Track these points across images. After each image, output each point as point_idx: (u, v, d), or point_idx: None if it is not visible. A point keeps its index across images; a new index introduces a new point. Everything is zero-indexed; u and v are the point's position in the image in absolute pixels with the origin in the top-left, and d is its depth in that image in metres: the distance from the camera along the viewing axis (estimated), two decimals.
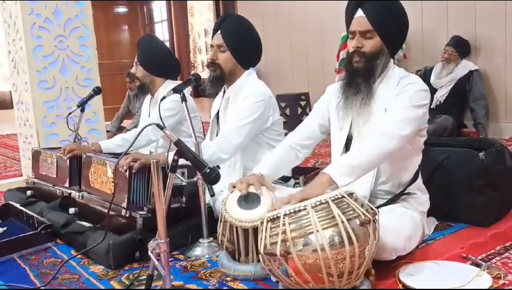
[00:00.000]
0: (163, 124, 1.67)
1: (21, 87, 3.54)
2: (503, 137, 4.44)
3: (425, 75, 4.59)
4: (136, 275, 1.84)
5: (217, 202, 2.18)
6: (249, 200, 1.78)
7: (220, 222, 1.80)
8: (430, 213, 2.06)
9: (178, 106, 2.57)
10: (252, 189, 1.80)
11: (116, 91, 8.02)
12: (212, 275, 1.82)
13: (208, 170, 1.57)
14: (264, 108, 2.27)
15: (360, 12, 1.86)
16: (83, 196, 2.40)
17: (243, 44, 2.30)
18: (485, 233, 2.05)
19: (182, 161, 1.62)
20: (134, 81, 2.88)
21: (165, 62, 2.81)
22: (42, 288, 1.81)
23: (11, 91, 3.95)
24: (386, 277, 1.66)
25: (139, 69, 2.78)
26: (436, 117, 4.31)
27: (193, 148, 1.86)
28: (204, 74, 2.38)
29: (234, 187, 1.84)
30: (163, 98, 2.15)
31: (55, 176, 2.71)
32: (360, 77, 1.87)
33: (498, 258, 1.80)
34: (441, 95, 4.56)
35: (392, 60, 1.93)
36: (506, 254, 1.83)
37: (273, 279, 1.66)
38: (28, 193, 2.89)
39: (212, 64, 2.30)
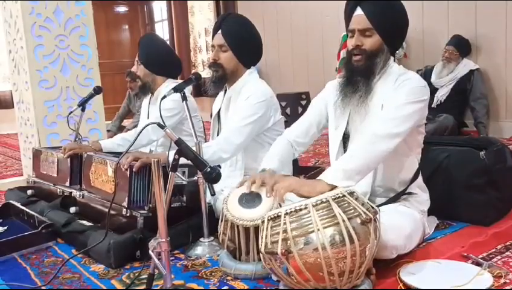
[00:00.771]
0: (164, 124, 1.67)
1: (21, 86, 3.55)
2: (503, 136, 4.44)
3: (425, 75, 4.59)
4: (136, 274, 1.84)
5: (217, 201, 2.18)
6: (250, 199, 1.77)
7: (221, 220, 1.80)
8: (430, 212, 2.06)
9: (179, 106, 2.57)
10: (253, 188, 1.80)
11: (116, 90, 8.05)
12: (213, 274, 1.82)
13: (209, 169, 1.57)
14: (266, 108, 2.27)
15: (358, 11, 1.86)
16: (83, 195, 2.40)
17: (244, 42, 2.29)
18: (485, 232, 2.05)
19: (182, 160, 1.62)
20: (135, 81, 2.87)
21: (167, 61, 2.81)
22: (43, 287, 1.81)
23: (11, 90, 3.96)
24: (386, 276, 1.65)
25: (140, 68, 2.78)
26: (436, 116, 4.32)
27: (194, 148, 1.86)
28: (205, 73, 2.37)
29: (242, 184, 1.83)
30: (164, 97, 2.16)
31: (55, 175, 2.71)
32: (359, 75, 1.87)
33: (499, 257, 1.79)
34: (441, 94, 4.56)
35: (392, 58, 1.92)
36: (507, 253, 1.83)
37: (274, 278, 1.66)
38: (29, 192, 2.89)
39: (214, 64, 2.29)
